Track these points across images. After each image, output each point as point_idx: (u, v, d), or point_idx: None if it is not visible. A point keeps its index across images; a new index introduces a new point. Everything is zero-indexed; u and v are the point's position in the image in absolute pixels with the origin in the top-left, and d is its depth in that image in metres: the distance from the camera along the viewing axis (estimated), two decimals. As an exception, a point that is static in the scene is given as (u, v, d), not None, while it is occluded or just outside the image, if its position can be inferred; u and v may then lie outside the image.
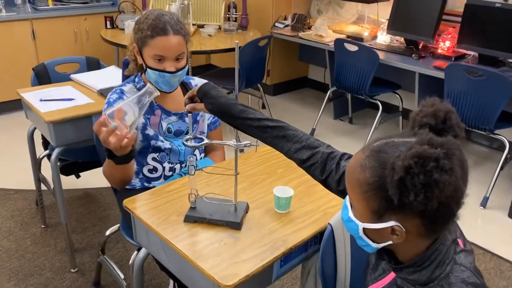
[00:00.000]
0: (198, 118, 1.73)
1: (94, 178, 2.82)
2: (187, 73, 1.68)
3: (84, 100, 2.11)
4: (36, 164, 2.42)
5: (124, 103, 1.20)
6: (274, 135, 1.15)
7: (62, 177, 2.44)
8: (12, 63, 3.82)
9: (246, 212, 1.34)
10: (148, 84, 1.28)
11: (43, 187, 2.52)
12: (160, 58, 1.52)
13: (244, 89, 3.51)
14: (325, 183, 1.12)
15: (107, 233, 1.91)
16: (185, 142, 1.20)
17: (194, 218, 1.28)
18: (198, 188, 1.45)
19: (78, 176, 2.54)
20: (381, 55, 3.33)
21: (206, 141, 1.21)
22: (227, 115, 1.19)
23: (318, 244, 1.34)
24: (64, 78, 2.42)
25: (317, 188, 1.49)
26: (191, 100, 1.25)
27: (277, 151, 1.16)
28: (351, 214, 0.89)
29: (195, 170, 1.25)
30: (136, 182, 1.71)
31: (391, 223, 0.81)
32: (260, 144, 1.19)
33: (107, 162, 1.45)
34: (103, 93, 2.16)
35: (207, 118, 1.78)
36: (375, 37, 3.80)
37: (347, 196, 0.91)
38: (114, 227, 1.89)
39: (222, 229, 1.27)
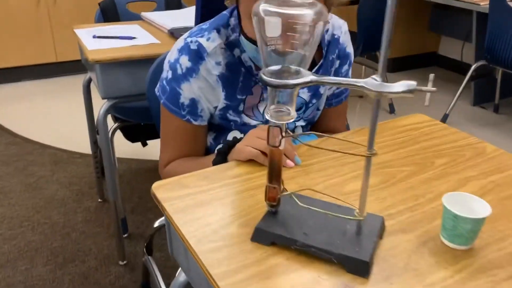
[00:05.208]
0: (321, 91, 1.07)
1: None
2: None
3: (147, 40, 1.56)
4: (92, 122, 1.95)
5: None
6: None
7: (129, 145, 1.97)
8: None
9: (380, 238, 0.66)
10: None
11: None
12: None
13: (359, 55, 2.76)
14: None
15: (156, 224, 1.35)
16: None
17: (272, 236, 0.63)
18: (287, 177, 0.79)
19: (144, 144, 2.06)
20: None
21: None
22: None
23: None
24: (136, 18, 1.92)
25: (524, 203, 0.75)
26: None
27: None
28: None
29: (284, 135, 0.59)
30: None
31: None
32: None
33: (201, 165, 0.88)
34: (174, 33, 1.60)
35: (328, 88, 1.09)
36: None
37: None
38: (163, 219, 1.32)
39: (327, 267, 0.60)
